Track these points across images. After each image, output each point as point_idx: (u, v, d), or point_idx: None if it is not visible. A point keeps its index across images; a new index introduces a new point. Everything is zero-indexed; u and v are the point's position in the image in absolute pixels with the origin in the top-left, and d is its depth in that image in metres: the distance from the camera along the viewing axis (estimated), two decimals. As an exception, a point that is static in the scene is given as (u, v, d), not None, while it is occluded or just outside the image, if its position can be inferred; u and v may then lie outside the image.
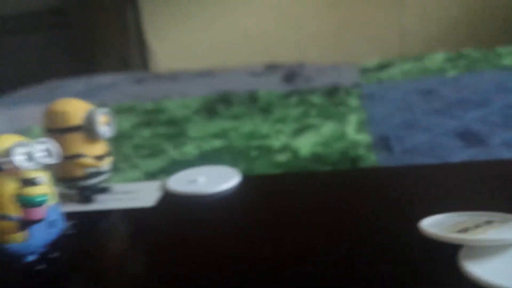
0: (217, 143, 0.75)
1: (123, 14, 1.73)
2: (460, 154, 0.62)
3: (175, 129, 0.83)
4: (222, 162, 0.68)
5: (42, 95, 1.20)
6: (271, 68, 1.26)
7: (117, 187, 0.34)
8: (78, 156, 0.30)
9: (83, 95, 1.15)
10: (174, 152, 0.72)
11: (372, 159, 0.63)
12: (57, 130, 0.30)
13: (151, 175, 0.65)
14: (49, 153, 0.24)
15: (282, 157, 0.67)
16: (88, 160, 0.31)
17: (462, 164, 0.36)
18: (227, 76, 1.22)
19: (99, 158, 0.31)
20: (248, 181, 0.33)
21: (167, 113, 0.94)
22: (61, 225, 0.24)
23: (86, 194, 0.32)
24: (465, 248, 0.23)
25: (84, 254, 0.26)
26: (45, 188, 0.21)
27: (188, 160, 0.70)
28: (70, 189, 0.32)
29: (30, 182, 0.21)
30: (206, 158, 0.70)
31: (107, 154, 0.32)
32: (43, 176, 0.22)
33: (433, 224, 0.25)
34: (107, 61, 1.76)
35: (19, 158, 0.22)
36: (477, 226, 0.24)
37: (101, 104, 1.10)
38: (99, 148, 0.31)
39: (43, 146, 0.24)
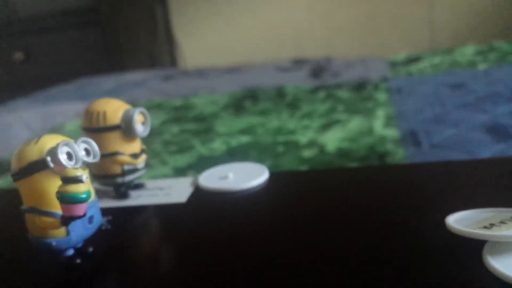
0: (244, 139, 0.76)
1: (152, 11, 1.76)
2: (489, 149, 0.61)
3: (203, 125, 0.85)
4: (249, 158, 0.69)
5: (74, 92, 1.23)
6: (298, 63, 1.27)
7: (151, 183, 0.36)
8: (116, 154, 0.32)
9: (114, 92, 1.18)
10: (202, 148, 0.74)
11: (400, 154, 0.63)
12: (96, 129, 0.31)
13: (179, 171, 0.66)
14: (89, 152, 0.25)
15: (308, 153, 0.67)
16: (125, 158, 0.32)
17: (489, 160, 0.36)
18: (255, 71, 1.22)
19: (135, 156, 0.32)
20: (276, 177, 0.34)
21: (195, 109, 0.95)
22: (98, 221, 0.26)
23: (123, 191, 0.33)
24: (490, 244, 0.23)
25: (118, 249, 0.27)
26: (87, 185, 0.23)
27: (216, 156, 0.71)
28: (107, 186, 0.33)
29: (74, 180, 0.22)
30: (233, 154, 0.71)
31: (143, 152, 0.33)
32: (85, 174, 0.23)
33: (459, 220, 0.25)
34: (136, 57, 1.79)
35: (63, 157, 0.23)
36: (502, 222, 0.24)
37: (131, 101, 1.12)
38: (135, 146, 0.33)
39: (84, 146, 0.25)
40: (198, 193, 0.33)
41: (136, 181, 0.35)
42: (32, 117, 1.04)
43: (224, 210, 0.30)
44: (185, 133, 0.82)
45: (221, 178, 0.34)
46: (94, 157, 0.25)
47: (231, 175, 0.34)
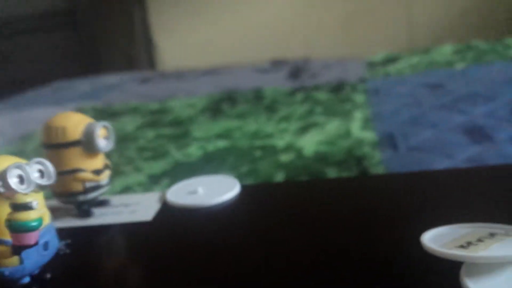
0: (221, 143, 0.74)
1: (130, 13, 1.73)
2: (466, 151, 0.61)
3: (180, 130, 0.83)
4: (225, 164, 0.68)
5: (49, 96, 1.20)
6: (276, 64, 1.26)
7: (116, 199, 0.34)
8: (77, 171, 0.30)
9: (89, 96, 1.15)
10: (177, 154, 0.72)
11: (377, 157, 0.62)
12: (56, 145, 0.30)
13: (154, 178, 0.65)
14: (43, 173, 0.23)
15: (285, 157, 0.66)
16: (87, 175, 0.30)
17: (467, 169, 0.35)
18: (233, 73, 1.21)
19: (98, 172, 0.31)
20: (248, 191, 0.33)
21: (172, 113, 0.94)
22: (55, 246, 0.24)
23: (85, 209, 0.31)
24: (467, 264, 0.22)
25: (79, 273, 0.26)
26: (38, 212, 0.21)
27: (192, 162, 0.69)
28: (69, 204, 0.32)
29: (24, 207, 0.21)
30: (209, 160, 0.69)
31: (106, 168, 0.32)
32: (37, 199, 0.21)
33: (436, 237, 0.24)
34: (114, 60, 1.76)
35: (14, 181, 0.22)
36: (479, 240, 0.23)
37: (107, 105, 1.10)
38: (98, 162, 0.31)
39: (38, 167, 0.23)
40: (166, 209, 0.32)
41: (101, 198, 0.33)
42: (4, 123, 1.01)
43: (192, 228, 0.29)
44: (160, 138, 0.80)
45: (190, 193, 0.33)
46: (48, 179, 0.23)
47: (200, 190, 0.33)
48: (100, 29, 1.75)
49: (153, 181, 0.64)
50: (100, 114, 0.98)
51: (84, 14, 1.75)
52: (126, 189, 0.61)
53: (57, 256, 0.25)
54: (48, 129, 0.30)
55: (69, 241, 0.27)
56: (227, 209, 0.31)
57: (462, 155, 0.61)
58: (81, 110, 1.04)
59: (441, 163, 0.59)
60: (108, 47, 1.75)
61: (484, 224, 0.25)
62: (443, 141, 0.65)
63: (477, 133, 0.65)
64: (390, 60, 1.12)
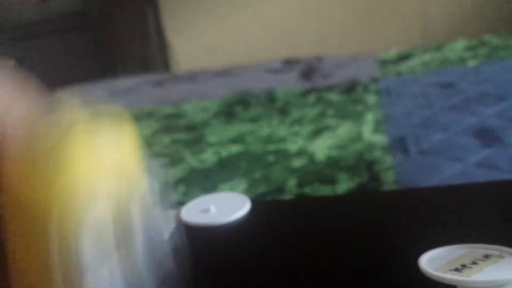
0: (235, 148, 0.76)
1: (143, 14, 1.75)
2: (477, 154, 0.62)
3: (194, 135, 0.85)
4: (239, 170, 0.70)
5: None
6: (288, 63, 1.27)
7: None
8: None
9: (106, 100, 1.18)
10: (192, 160, 0.74)
11: (388, 162, 0.63)
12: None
13: (171, 186, 0.67)
14: None
15: (298, 162, 0.68)
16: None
17: (469, 186, 0.36)
18: (245, 74, 1.22)
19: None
20: (258, 208, 0.34)
21: (186, 117, 0.96)
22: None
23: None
24: None
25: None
26: None
27: (207, 168, 0.71)
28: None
29: None
30: (224, 165, 0.71)
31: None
32: None
33: (433, 259, 0.25)
34: (129, 61, 1.78)
35: None
36: (474, 262, 0.24)
37: (122, 110, 1.12)
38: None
39: None
40: (180, 228, 0.34)
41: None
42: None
43: (207, 247, 0.31)
44: (176, 144, 0.82)
45: (203, 211, 0.34)
46: None
47: (213, 208, 0.34)
48: (114, 31, 1.77)
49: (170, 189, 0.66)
50: (117, 120, 1.01)
51: (98, 16, 1.78)
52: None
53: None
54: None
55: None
56: (238, 227, 0.32)
57: (472, 158, 0.61)
58: (98, 116, 1.06)
59: (451, 168, 0.60)
60: (123, 49, 1.78)
61: (479, 245, 0.26)
62: (454, 144, 0.65)
63: (488, 136, 0.66)
64: (403, 57, 1.12)
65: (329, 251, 0.28)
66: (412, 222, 0.30)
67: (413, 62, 1.08)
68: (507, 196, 0.32)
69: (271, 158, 0.71)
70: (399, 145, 0.67)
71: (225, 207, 0.34)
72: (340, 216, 0.32)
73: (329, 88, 0.99)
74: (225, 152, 0.75)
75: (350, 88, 0.97)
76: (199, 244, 0.31)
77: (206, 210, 0.34)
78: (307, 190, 0.60)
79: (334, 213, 0.32)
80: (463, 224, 0.29)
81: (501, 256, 0.24)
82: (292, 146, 0.73)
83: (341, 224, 0.31)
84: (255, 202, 0.35)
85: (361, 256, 0.28)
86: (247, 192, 0.61)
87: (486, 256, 0.25)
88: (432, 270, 0.24)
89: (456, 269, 0.24)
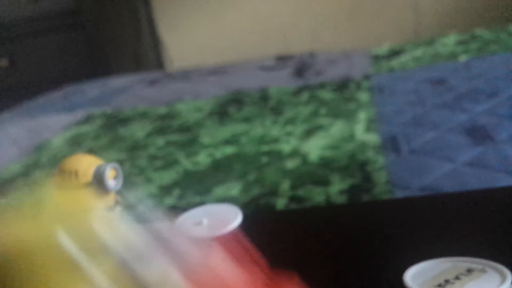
0: (229, 149, 0.76)
1: (136, 11, 1.74)
2: (468, 153, 0.62)
3: (188, 136, 0.85)
4: (233, 172, 0.70)
5: (60, 102, 1.23)
6: (282, 60, 1.27)
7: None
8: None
9: (99, 100, 1.18)
10: (187, 162, 0.74)
11: (380, 162, 0.64)
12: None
13: (165, 189, 0.67)
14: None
15: (291, 164, 0.68)
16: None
17: (454, 195, 0.37)
18: (238, 72, 1.22)
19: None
20: (249, 220, 0.35)
21: (180, 118, 0.96)
22: None
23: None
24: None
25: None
26: None
27: (201, 170, 0.72)
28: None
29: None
30: (217, 168, 0.71)
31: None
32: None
33: (417, 274, 0.26)
34: (122, 59, 1.78)
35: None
36: (457, 278, 0.25)
37: (116, 110, 1.11)
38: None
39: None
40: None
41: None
42: (19, 132, 1.04)
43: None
44: (170, 146, 0.82)
45: (195, 224, 0.35)
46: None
47: (205, 221, 0.35)
48: (107, 29, 1.77)
49: (164, 192, 0.67)
50: (110, 121, 1.01)
51: (90, 14, 1.77)
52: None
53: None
54: (61, 173, 0.33)
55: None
56: (230, 240, 0.33)
57: (463, 157, 0.62)
58: (92, 117, 1.06)
59: (443, 168, 0.60)
60: (115, 47, 1.77)
61: (463, 258, 0.26)
62: (445, 143, 0.66)
63: (478, 134, 0.67)
64: (395, 52, 1.13)
65: (316, 265, 0.29)
66: (399, 234, 0.31)
67: (405, 58, 1.08)
68: (493, 205, 0.32)
69: (264, 159, 0.71)
70: (391, 144, 0.68)
71: (217, 219, 0.35)
72: (329, 228, 0.32)
73: (322, 86, 0.99)
74: (219, 153, 0.76)
75: (342, 85, 0.97)
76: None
77: (198, 223, 0.35)
78: (301, 192, 0.61)
79: (322, 226, 0.33)
80: (449, 236, 0.30)
81: (483, 271, 0.25)
82: (286, 147, 0.74)
83: (330, 237, 0.32)
84: (246, 216, 0.36)
85: (348, 269, 0.28)
86: (241, 195, 0.62)
87: (469, 271, 0.25)
88: (416, 286, 0.24)
89: (440, 285, 0.24)
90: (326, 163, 0.67)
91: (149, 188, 0.68)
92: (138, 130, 0.92)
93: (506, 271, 0.24)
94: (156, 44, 1.76)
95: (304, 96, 0.96)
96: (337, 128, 0.77)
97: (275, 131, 0.81)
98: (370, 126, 0.75)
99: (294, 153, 0.72)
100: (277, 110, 0.90)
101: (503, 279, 0.23)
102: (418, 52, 1.10)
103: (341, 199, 0.56)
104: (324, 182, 0.62)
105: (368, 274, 0.28)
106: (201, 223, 0.35)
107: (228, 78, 1.18)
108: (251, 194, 0.62)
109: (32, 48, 1.87)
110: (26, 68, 1.88)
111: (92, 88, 1.29)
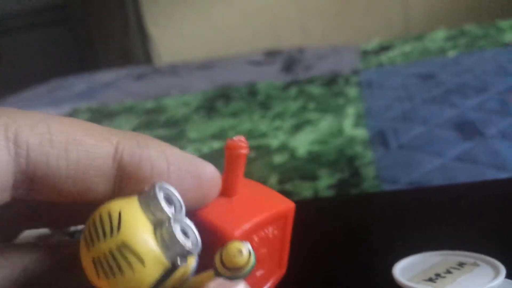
0: (216, 144, 0.75)
1: (123, 6, 1.72)
2: (457, 148, 0.62)
3: (175, 130, 0.84)
4: (220, 166, 0.69)
5: (45, 96, 1.21)
6: (270, 55, 1.26)
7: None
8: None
9: (85, 95, 1.16)
10: (174, 157, 0.73)
11: (368, 157, 0.63)
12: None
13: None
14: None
15: (279, 159, 0.67)
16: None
17: (445, 188, 0.36)
18: (227, 66, 1.21)
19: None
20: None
21: (167, 112, 0.95)
22: None
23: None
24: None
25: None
26: None
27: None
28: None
29: None
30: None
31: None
32: None
33: (407, 267, 0.25)
34: (109, 53, 1.76)
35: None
36: (448, 271, 0.24)
37: (103, 105, 1.09)
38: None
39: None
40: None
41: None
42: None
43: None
44: (156, 140, 0.81)
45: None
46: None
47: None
48: (94, 24, 1.75)
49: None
50: (97, 115, 1.00)
51: (77, 9, 1.75)
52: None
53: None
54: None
55: None
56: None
57: (452, 152, 0.62)
58: (77, 111, 1.05)
59: (431, 162, 0.60)
60: (103, 41, 1.75)
61: (454, 252, 0.26)
62: (434, 138, 0.66)
63: (467, 129, 0.66)
64: (384, 48, 1.12)
65: (302, 259, 0.28)
66: (388, 227, 0.30)
67: (393, 53, 1.08)
68: (484, 198, 0.32)
69: (252, 153, 0.70)
70: (379, 139, 0.67)
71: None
72: (316, 221, 0.32)
73: (311, 81, 0.98)
74: (206, 148, 0.75)
75: (331, 80, 0.96)
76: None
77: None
78: (289, 186, 0.60)
79: (309, 219, 0.32)
80: (439, 228, 0.29)
81: (475, 264, 0.24)
82: (274, 142, 0.73)
83: (316, 230, 0.31)
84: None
85: (336, 263, 0.27)
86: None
87: (461, 264, 0.24)
88: (405, 280, 0.23)
89: (430, 279, 0.23)
90: (314, 158, 0.66)
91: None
92: (125, 124, 0.91)
93: (498, 264, 0.23)
94: (144, 38, 1.74)
95: (293, 91, 0.95)
96: (326, 123, 0.76)
97: (263, 126, 0.80)
98: (358, 121, 0.75)
99: (282, 147, 0.71)
100: (265, 105, 0.89)
101: (496, 273, 0.22)
102: (407, 48, 1.09)
103: (329, 194, 0.56)
104: (312, 177, 0.61)
105: (356, 268, 0.27)
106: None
107: (216, 73, 1.17)
108: (238, 189, 0.61)
109: (20, 42, 1.84)
110: (14, 62, 1.86)
111: (79, 83, 1.27)
